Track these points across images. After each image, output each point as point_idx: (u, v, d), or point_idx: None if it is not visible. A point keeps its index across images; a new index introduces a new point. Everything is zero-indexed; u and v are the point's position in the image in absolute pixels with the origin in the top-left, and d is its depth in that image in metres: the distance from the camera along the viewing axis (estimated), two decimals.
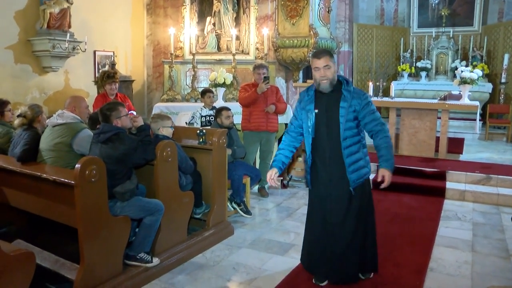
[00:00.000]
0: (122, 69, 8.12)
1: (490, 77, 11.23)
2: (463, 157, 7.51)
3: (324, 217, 3.34)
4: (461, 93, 7.63)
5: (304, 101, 3.32)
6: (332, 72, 3.19)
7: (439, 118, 7.37)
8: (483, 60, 11.35)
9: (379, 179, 3.20)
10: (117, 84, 5.63)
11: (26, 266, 2.25)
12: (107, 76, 5.58)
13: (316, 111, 3.24)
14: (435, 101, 7.72)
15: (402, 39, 12.51)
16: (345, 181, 3.24)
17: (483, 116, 9.91)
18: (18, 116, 3.94)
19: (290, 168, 6.48)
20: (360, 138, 3.27)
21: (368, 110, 3.21)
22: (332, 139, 3.22)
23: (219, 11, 8.32)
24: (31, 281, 2.30)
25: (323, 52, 3.24)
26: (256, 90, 5.55)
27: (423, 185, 6.11)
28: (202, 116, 5.81)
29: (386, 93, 9.59)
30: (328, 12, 8.34)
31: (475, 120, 7.84)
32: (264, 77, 5.59)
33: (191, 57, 8.01)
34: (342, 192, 3.27)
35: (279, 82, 8.38)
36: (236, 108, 6.06)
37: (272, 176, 3.35)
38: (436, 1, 12.13)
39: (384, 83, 11.69)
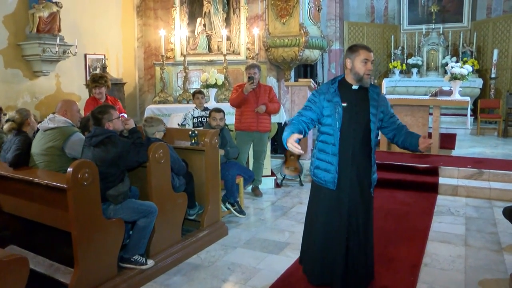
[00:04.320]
0: (114, 72, 8.10)
1: (480, 72, 11.33)
2: (455, 152, 7.58)
3: (341, 219, 3.12)
4: (452, 89, 7.69)
5: (330, 93, 3.08)
6: None
7: (431, 114, 7.42)
8: (473, 56, 11.45)
9: (422, 146, 3.04)
10: (102, 88, 5.35)
11: (20, 272, 2.24)
12: (92, 80, 5.48)
13: (345, 104, 3.05)
14: (427, 97, 7.77)
15: (392, 36, 12.59)
16: (366, 182, 3.12)
17: (474, 111, 9.99)
18: (7, 121, 3.92)
19: (283, 167, 6.48)
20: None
21: (392, 111, 3.25)
22: (357, 137, 3.07)
23: (209, 12, 8.32)
24: (25, 286, 2.29)
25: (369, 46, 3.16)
26: (243, 91, 5.54)
27: (416, 181, 6.15)
28: (194, 117, 5.81)
29: None
30: (318, 10, 8.34)
31: (466, 115, 7.90)
32: (249, 77, 5.51)
33: (182, 58, 8.01)
34: (362, 193, 3.13)
35: (271, 81, 8.39)
36: (228, 108, 6.06)
37: (293, 141, 2.79)
38: None
39: (376, 81, 11.76)
